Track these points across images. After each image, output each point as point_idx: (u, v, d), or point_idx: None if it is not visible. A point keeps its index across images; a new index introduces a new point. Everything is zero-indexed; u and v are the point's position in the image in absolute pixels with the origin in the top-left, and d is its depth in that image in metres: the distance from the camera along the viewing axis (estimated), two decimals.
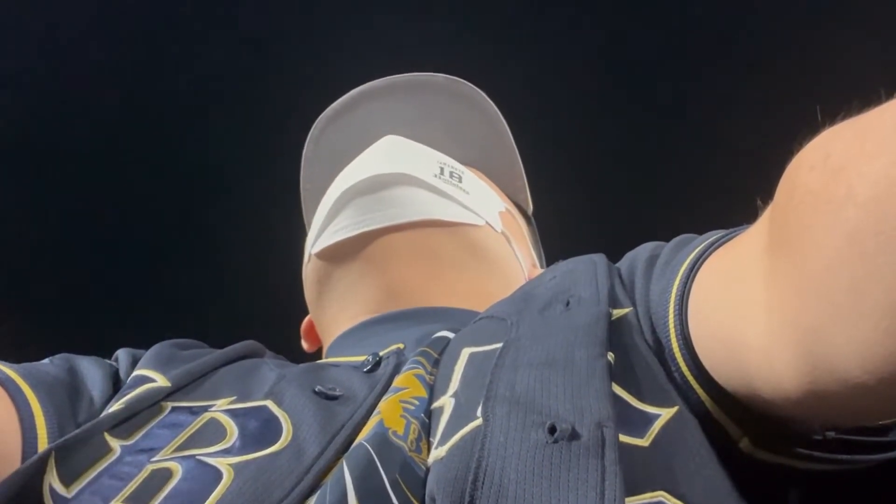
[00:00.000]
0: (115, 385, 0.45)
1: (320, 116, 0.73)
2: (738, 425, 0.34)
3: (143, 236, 1.14)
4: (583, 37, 1.09)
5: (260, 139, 1.08)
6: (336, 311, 0.59)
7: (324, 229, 0.58)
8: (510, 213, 0.68)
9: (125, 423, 0.38)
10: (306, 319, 0.69)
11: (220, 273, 1.14)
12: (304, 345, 0.70)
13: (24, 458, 0.38)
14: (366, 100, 0.71)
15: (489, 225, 0.60)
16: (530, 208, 0.77)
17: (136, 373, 0.44)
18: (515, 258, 0.63)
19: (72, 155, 1.10)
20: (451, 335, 0.46)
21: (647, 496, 0.29)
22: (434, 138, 0.66)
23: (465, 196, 0.60)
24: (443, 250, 0.57)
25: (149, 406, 0.39)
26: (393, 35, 1.06)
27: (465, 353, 0.40)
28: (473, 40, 1.06)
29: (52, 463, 0.33)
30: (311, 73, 1.05)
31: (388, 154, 0.61)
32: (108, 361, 0.48)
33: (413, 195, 0.57)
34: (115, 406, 0.40)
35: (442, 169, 0.60)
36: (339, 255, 0.58)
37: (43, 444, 0.39)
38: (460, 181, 0.61)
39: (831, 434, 0.33)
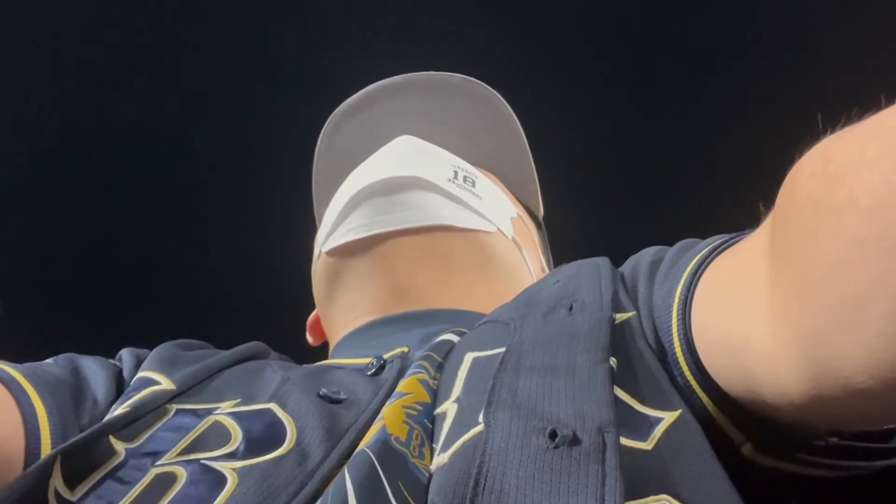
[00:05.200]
0: (119, 386, 0.45)
1: (335, 111, 0.73)
2: (741, 430, 0.34)
3: (148, 231, 1.14)
4: (597, 42, 1.09)
5: (272, 132, 1.08)
6: (343, 309, 0.59)
7: (335, 228, 0.58)
8: (521, 220, 0.67)
9: (130, 425, 0.38)
10: (313, 314, 0.69)
11: (226, 268, 1.14)
12: (309, 339, 0.71)
13: (27, 459, 0.38)
14: (382, 96, 0.71)
15: (500, 231, 0.60)
16: (541, 213, 0.77)
17: (141, 374, 0.44)
18: (525, 265, 0.63)
19: (72, 153, 1.11)
20: (455, 338, 0.46)
21: (650, 499, 0.29)
22: (448, 139, 0.66)
23: (477, 201, 0.59)
24: (453, 255, 0.57)
25: (153, 409, 0.39)
26: (409, 33, 1.06)
27: (469, 357, 0.40)
28: (489, 43, 1.07)
29: (57, 465, 0.33)
30: (323, 68, 1.06)
31: (403, 155, 0.61)
32: (112, 361, 0.48)
33: (426, 199, 0.57)
34: (120, 409, 0.40)
35: (456, 173, 0.60)
36: (349, 254, 0.58)
37: (46, 445, 0.39)
38: (473, 186, 0.61)
39: (834, 440, 0.32)
